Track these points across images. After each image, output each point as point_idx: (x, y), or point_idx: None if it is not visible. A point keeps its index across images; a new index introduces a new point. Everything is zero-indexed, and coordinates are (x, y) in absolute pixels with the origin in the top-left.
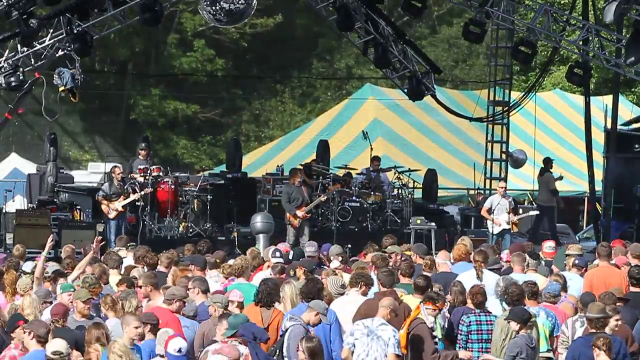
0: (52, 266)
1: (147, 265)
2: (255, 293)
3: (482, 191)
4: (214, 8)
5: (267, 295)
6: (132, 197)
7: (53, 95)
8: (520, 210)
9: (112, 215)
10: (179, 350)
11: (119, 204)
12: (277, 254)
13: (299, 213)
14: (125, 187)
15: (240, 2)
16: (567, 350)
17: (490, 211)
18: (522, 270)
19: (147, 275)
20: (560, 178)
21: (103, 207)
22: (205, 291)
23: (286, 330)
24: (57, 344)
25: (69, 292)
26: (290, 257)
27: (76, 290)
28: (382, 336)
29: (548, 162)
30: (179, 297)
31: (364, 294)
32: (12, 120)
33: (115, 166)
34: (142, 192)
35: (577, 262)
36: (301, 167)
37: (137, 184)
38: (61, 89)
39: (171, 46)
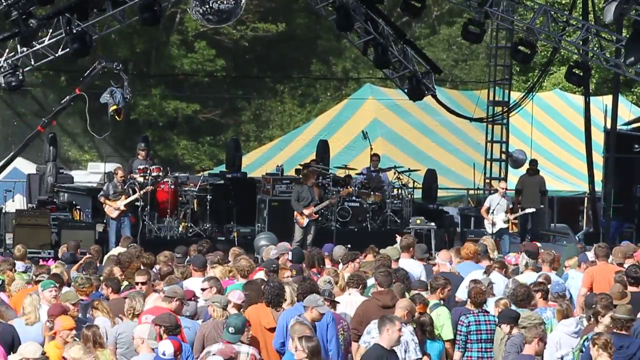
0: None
1: (143, 265)
2: (263, 294)
3: (481, 191)
4: (203, 8)
5: (276, 296)
6: (133, 196)
7: (52, 95)
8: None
9: (114, 215)
10: (163, 354)
11: (120, 203)
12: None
13: (306, 211)
14: (125, 187)
15: (229, 1)
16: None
17: (488, 210)
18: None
19: (141, 273)
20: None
21: (105, 207)
22: (221, 290)
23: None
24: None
25: (50, 289)
26: (290, 257)
27: (65, 292)
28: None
29: (530, 163)
30: (180, 296)
31: (362, 294)
32: (11, 120)
33: (118, 167)
34: (143, 191)
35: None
36: (316, 169)
37: (137, 184)
38: (113, 107)
39: (172, 47)
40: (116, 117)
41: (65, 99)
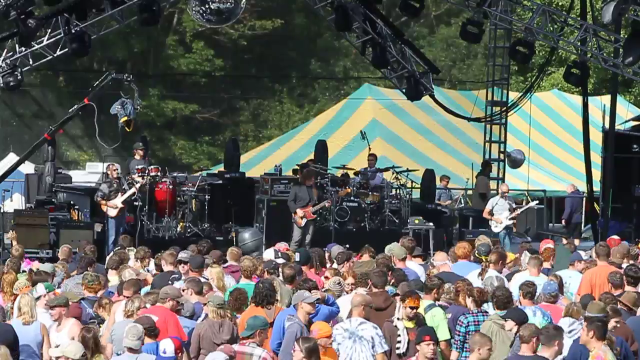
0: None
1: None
2: (252, 294)
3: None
4: (203, 8)
5: (265, 297)
6: (129, 192)
7: (51, 96)
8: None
9: (113, 213)
10: (164, 352)
11: (118, 201)
12: (278, 254)
13: (300, 212)
14: (121, 184)
15: (229, 1)
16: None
17: (491, 212)
18: (537, 273)
19: (132, 283)
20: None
21: (103, 207)
22: (199, 292)
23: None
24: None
25: (45, 293)
26: (298, 259)
27: (64, 291)
28: (364, 336)
29: (486, 165)
30: (172, 296)
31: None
32: (10, 120)
33: (110, 164)
34: (139, 184)
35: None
36: (314, 169)
37: (133, 182)
38: (123, 119)
39: (170, 47)
40: (126, 128)
41: (73, 108)
